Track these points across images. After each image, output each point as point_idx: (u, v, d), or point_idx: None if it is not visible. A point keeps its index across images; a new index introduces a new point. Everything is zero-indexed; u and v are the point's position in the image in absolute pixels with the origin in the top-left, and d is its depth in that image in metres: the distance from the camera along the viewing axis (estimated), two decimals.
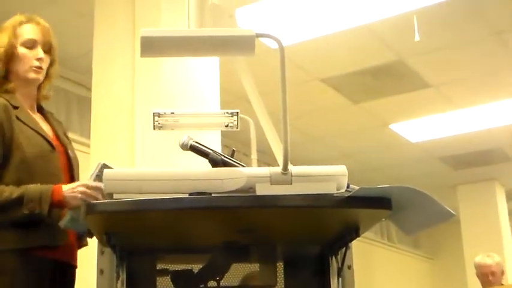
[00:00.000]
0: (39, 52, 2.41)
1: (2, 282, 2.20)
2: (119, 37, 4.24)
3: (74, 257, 2.42)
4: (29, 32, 2.42)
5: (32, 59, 2.40)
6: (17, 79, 2.40)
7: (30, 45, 2.40)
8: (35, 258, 2.24)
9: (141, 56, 1.77)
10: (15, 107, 2.34)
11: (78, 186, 2.18)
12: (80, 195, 2.15)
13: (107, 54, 4.28)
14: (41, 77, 2.44)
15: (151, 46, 1.74)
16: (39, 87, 2.50)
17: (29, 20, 2.45)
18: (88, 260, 2.66)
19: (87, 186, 2.16)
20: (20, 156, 2.27)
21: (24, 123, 2.33)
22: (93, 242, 2.52)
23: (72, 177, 2.43)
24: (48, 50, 2.45)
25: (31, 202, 2.17)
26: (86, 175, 3.74)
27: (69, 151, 2.47)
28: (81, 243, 2.45)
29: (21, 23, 2.43)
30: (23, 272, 2.22)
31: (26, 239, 2.23)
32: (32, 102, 2.47)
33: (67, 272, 2.40)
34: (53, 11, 5.16)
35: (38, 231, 2.24)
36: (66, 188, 2.20)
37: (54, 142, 2.41)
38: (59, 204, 2.20)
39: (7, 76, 2.39)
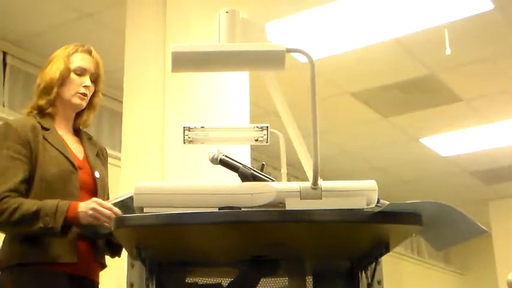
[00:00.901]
0: (87, 80, 2.53)
1: None
2: (150, 52, 4.27)
3: (91, 272, 2.44)
4: (80, 60, 2.54)
5: (79, 86, 2.52)
6: (60, 102, 2.52)
7: (80, 72, 2.52)
8: (48, 272, 2.29)
9: (171, 71, 1.77)
10: (46, 129, 2.44)
11: (92, 202, 2.26)
12: (90, 211, 2.23)
13: (138, 69, 4.32)
14: (84, 103, 2.55)
15: (182, 61, 1.75)
16: (79, 113, 2.60)
17: (83, 50, 2.57)
18: (110, 275, 2.67)
19: (100, 205, 2.24)
20: (41, 175, 2.36)
21: (50, 143, 2.42)
22: (113, 261, 2.54)
23: (97, 196, 2.47)
24: (95, 80, 2.57)
25: (46, 216, 2.23)
26: (116, 188, 3.78)
27: (96, 172, 2.52)
28: (101, 262, 2.48)
29: (75, 51, 2.55)
30: (37, 286, 2.28)
31: (34, 255, 2.29)
32: (69, 124, 2.58)
33: (86, 286, 2.41)
34: (86, 26, 5.22)
35: (47, 248, 2.30)
36: (80, 205, 2.27)
37: (80, 163, 2.48)
38: (72, 221, 2.26)
39: (54, 99, 2.51)
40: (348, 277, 2.13)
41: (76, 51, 2.55)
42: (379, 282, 2.05)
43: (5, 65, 5.77)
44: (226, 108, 4.08)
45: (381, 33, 5.46)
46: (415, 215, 1.67)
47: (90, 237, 2.39)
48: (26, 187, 2.34)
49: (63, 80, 2.50)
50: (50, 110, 2.50)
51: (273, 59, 1.73)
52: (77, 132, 2.62)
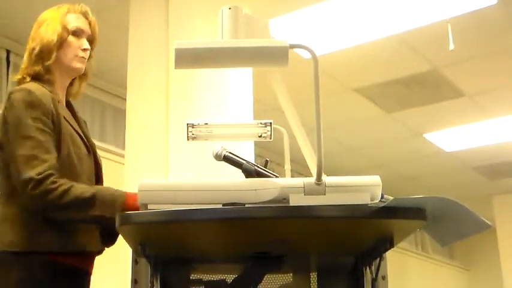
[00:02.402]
0: (85, 42, 2.35)
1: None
2: (153, 49, 4.28)
3: (92, 265, 2.33)
4: (77, 20, 2.35)
5: (77, 49, 2.32)
6: (59, 68, 2.31)
7: (78, 34, 2.33)
8: (57, 263, 2.15)
9: (175, 68, 1.78)
10: (58, 101, 2.25)
11: None
12: None
13: (141, 66, 4.32)
14: (83, 68, 2.35)
15: (185, 58, 1.75)
16: (71, 82, 2.40)
17: (78, 10, 2.39)
18: (114, 272, 2.64)
19: None
20: (66, 153, 2.18)
21: (66, 119, 2.25)
22: (117, 257, 2.51)
23: (98, 181, 2.37)
24: (90, 43, 2.39)
25: (103, 204, 2.06)
26: (120, 185, 3.78)
27: (97, 154, 2.38)
28: (101, 250, 2.36)
29: (71, 11, 2.37)
30: (43, 276, 2.12)
31: (58, 243, 2.14)
32: (63, 95, 2.37)
33: (84, 279, 2.29)
34: None
35: (73, 236, 2.17)
36: None
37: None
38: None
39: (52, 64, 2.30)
40: (352, 273, 2.14)
41: (73, 11, 2.36)
42: (384, 278, 2.05)
43: (8, 62, 5.77)
44: (230, 105, 4.08)
45: (383, 28, 5.45)
46: (419, 210, 1.67)
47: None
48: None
49: (62, 42, 2.28)
50: (48, 77, 2.27)
51: (276, 55, 1.73)
52: (68, 105, 2.40)
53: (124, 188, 2.21)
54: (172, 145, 4.00)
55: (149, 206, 1.74)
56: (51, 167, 2.08)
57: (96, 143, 5.93)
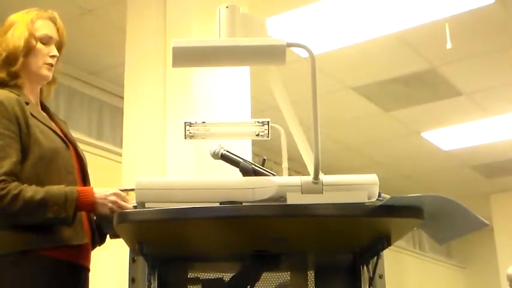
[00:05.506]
0: (54, 49, 2.34)
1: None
2: (151, 48, 4.27)
3: (88, 260, 2.30)
4: (46, 27, 2.34)
5: (46, 56, 2.31)
6: (27, 74, 2.30)
7: (46, 41, 2.32)
8: (49, 259, 2.12)
9: (172, 66, 1.78)
10: (26, 103, 2.24)
11: (112, 194, 2.10)
12: (110, 204, 2.09)
13: (139, 65, 4.32)
14: (51, 75, 2.35)
15: (183, 56, 1.75)
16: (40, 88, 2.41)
17: (46, 16, 2.37)
18: (112, 270, 2.63)
19: (122, 198, 2.10)
20: (39, 152, 2.17)
21: (37, 119, 2.24)
22: (115, 256, 2.50)
23: (83, 175, 2.36)
24: (59, 49, 2.38)
25: (55, 205, 2.05)
26: (117, 184, 3.78)
27: (79, 149, 2.38)
28: (94, 246, 2.34)
29: (38, 17, 2.35)
30: (38, 274, 2.10)
31: (41, 240, 2.11)
32: (37, 99, 2.37)
33: (81, 274, 2.27)
34: (87, 22, 5.22)
35: (55, 231, 2.13)
36: (98, 194, 2.11)
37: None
38: (86, 208, 2.12)
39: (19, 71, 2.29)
40: (350, 271, 2.14)
41: (41, 17, 2.34)
42: (381, 276, 2.06)
43: None
44: (227, 103, 4.08)
45: (381, 27, 5.45)
46: (417, 208, 1.68)
47: (94, 222, 2.28)
48: (20, 168, 2.13)
49: (29, 49, 2.27)
50: (15, 82, 2.26)
51: (273, 54, 1.73)
52: (44, 108, 2.39)
53: (122, 187, 2.19)
54: (170, 144, 3.99)
55: (146, 205, 1.74)
56: (2, 173, 2.08)
57: (94, 141, 5.92)
